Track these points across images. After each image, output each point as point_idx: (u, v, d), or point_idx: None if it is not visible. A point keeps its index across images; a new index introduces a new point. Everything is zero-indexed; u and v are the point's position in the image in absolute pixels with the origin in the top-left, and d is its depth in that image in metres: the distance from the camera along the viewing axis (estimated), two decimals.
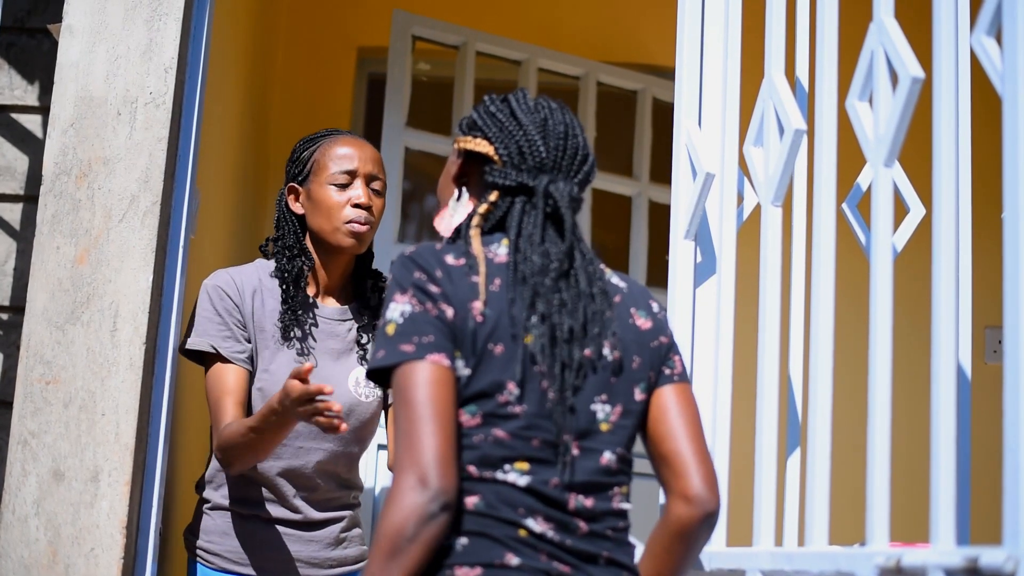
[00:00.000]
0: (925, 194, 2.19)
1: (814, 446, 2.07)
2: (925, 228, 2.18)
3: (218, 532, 3.05)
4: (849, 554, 1.87)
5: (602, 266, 2.16)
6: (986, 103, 2.26)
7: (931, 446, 1.75)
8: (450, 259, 2.02)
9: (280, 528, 3.05)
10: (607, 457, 2.04)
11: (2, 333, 3.09)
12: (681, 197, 2.64)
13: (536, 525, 1.94)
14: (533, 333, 1.99)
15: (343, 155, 3.09)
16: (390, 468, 3.22)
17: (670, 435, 2.11)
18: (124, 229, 2.95)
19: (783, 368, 2.34)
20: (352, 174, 3.08)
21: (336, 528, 3.10)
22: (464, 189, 2.23)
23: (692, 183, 2.59)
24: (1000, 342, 5.00)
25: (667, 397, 2.14)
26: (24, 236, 3.12)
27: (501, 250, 2.06)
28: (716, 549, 2.33)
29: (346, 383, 3.07)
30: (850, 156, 2.32)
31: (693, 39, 2.70)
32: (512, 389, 1.97)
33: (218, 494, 3.07)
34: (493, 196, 2.13)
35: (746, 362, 2.42)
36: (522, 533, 1.93)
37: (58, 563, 2.83)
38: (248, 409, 3.01)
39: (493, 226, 2.13)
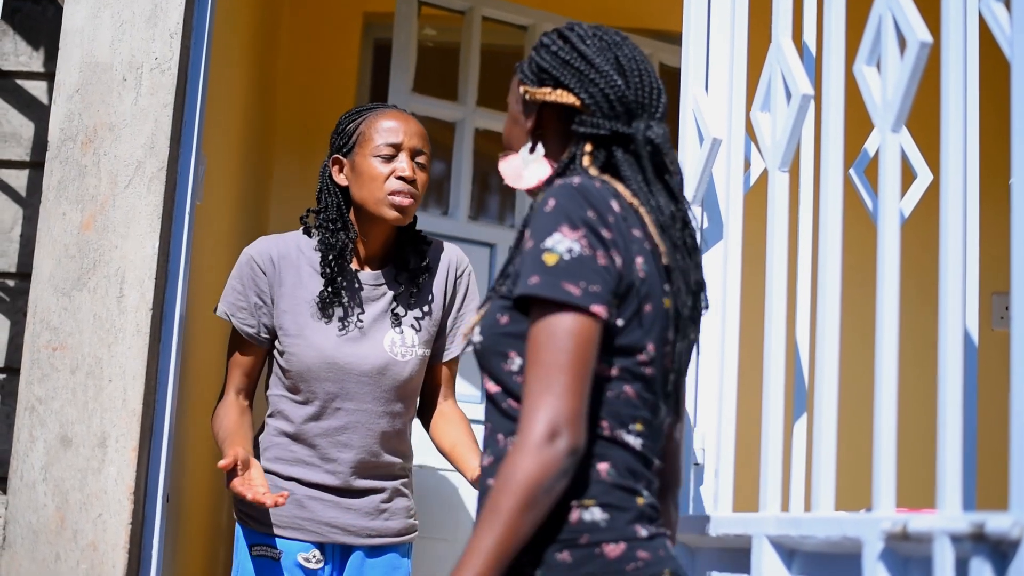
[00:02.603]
0: (933, 160, 2.19)
1: (821, 412, 2.07)
2: (933, 194, 2.18)
3: None
4: (855, 520, 1.87)
5: None
6: (994, 68, 2.25)
7: (938, 412, 1.75)
8: (613, 203, 1.93)
9: (318, 493, 3.08)
10: (670, 420, 2.06)
11: (9, 300, 3.10)
12: (688, 162, 2.64)
13: (646, 491, 1.94)
14: (669, 292, 1.98)
15: (389, 128, 3.11)
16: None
17: None
18: (130, 195, 2.95)
19: (790, 334, 2.34)
20: (397, 147, 3.10)
21: (377, 498, 3.12)
22: (540, 142, 2.13)
23: (699, 149, 2.59)
24: (1007, 308, 4.99)
25: None
26: (30, 202, 3.12)
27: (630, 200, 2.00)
28: (722, 515, 2.34)
29: (382, 344, 3.10)
30: (857, 121, 2.31)
31: (700, 4, 2.69)
32: (651, 350, 1.94)
33: (261, 458, 3.12)
34: (588, 147, 2.04)
35: (753, 328, 2.43)
36: (640, 501, 1.93)
37: (66, 529, 2.84)
38: (269, 371, 3.17)
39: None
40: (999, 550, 1.58)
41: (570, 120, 2.07)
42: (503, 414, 1.97)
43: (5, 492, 2.95)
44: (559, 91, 2.06)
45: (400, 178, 3.07)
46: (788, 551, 2.11)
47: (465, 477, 3.09)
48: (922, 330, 3.12)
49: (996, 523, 1.56)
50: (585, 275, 1.84)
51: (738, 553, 2.21)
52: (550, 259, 1.85)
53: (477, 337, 2.01)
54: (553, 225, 1.88)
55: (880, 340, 1.92)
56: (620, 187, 1.98)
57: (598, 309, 1.84)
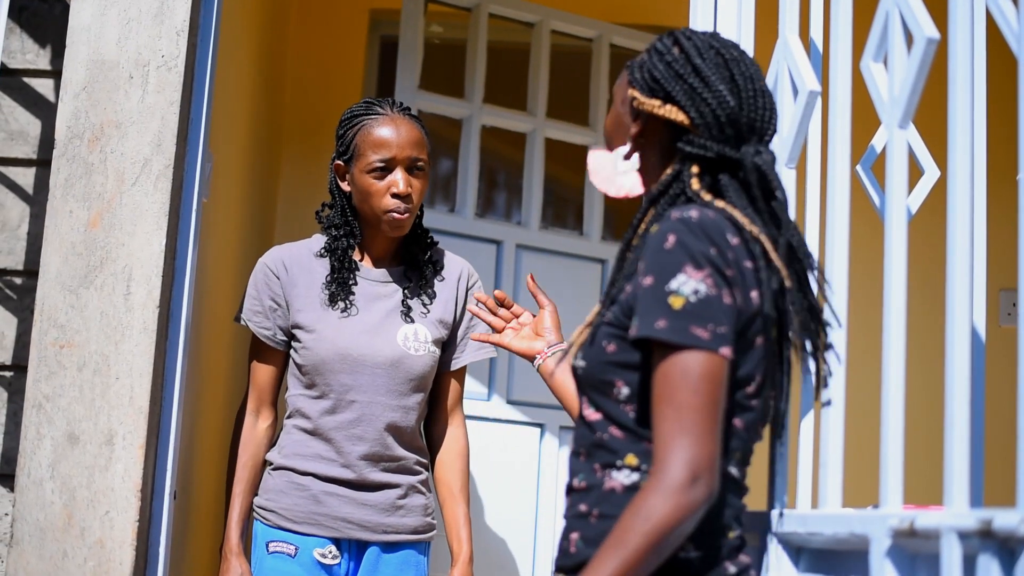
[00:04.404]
0: (940, 156, 2.19)
1: (828, 408, 2.07)
2: (940, 190, 2.17)
3: (275, 491, 3.14)
4: (863, 516, 1.87)
5: None
6: (1002, 64, 2.25)
7: (945, 408, 1.75)
8: (730, 236, 1.89)
9: (334, 487, 3.11)
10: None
11: (16, 297, 3.10)
12: None
13: (735, 522, 1.93)
14: (776, 328, 1.96)
15: (381, 142, 3.13)
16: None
17: None
18: (137, 193, 2.96)
19: None
20: (391, 162, 3.12)
21: (392, 494, 3.14)
22: (639, 152, 2.08)
23: None
24: (1015, 304, 4.99)
25: None
26: (37, 200, 3.12)
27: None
28: None
29: (395, 338, 3.15)
30: (864, 118, 2.31)
31: (707, 0, 2.69)
32: (758, 380, 1.93)
33: (280, 455, 3.17)
34: (695, 169, 1.99)
35: None
36: (730, 535, 1.92)
37: (73, 526, 2.84)
38: (284, 365, 3.24)
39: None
40: (1007, 547, 1.57)
41: (675, 135, 2.03)
42: (601, 445, 1.95)
43: (12, 490, 2.95)
44: (669, 106, 2.00)
45: (395, 195, 3.11)
46: (795, 548, 2.11)
47: (451, 549, 3.19)
48: (929, 326, 3.12)
49: (1004, 520, 1.56)
50: (713, 317, 1.82)
51: None
52: (676, 302, 1.81)
53: (580, 362, 1.98)
54: (677, 265, 1.83)
55: (887, 336, 1.92)
56: (738, 215, 1.94)
57: (726, 351, 1.82)
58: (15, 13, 3.20)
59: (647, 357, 1.89)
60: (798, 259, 1.99)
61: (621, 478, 1.91)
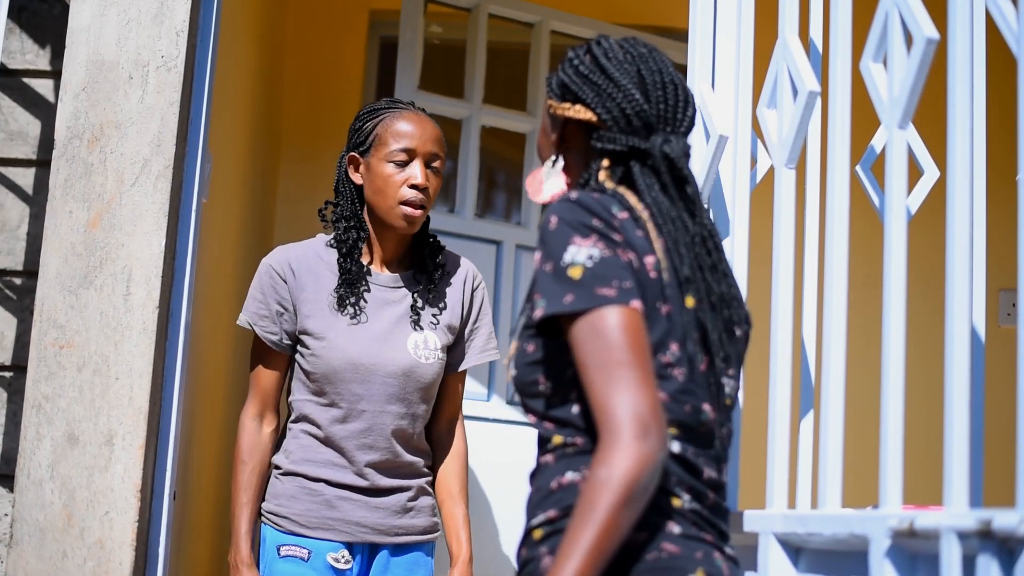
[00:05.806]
0: (939, 156, 2.19)
1: (827, 409, 2.07)
2: (939, 190, 2.17)
3: (286, 496, 3.09)
4: (862, 517, 1.87)
5: None
6: (1001, 65, 2.25)
7: (945, 409, 1.75)
8: (616, 210, 1.92)
9: (347, 493, 3.08)
10: (725, 432, 2.00)
11: (16, 298, 3.10)
12: (694, 159, 2.63)
13: (684, 494, 1.89)
14: (693, 297, 1.94)
15: (404, 132, 3.12)
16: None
17: None
18: (136, 193, 2.96)
19: (796, 331, 2.34)
20: (411, 153, 3.11)
21: (403, 496, 3.12)
22: (561, 156, 2.13)
23: (705, 145, 2.59)
24: (1014, 304, 4.99)
25: None
26: (37, 200, 3.12)
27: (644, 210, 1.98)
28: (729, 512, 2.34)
29: (405, 346, 3.11)
30: (864, 118, 2.31)
31: (706, 1, 2.68)
32: (675, 351, 1.91)
33: (288, 460, 3.12)
34: (605, 163, 2.04)
35: (759, 325, 2.42)
36: (676, 503, 1.88)
37: (73, 526, 2.84)
38: (290, 370, 3.17)
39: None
40: (1006, 547, 1.57)
41: (591, 136, 2.07)
42: (539, 439, 1.98)
43: (12, 490, 2.95)
44: (577, 107, 2.06)
45: (413, 186, 3.09)
46: (795, 548, 2.11)
47: (450, 551, 3.18)
48: (929, 327, 3.12)
49: (1003, 520, 1.56)
50: (615, 274, 1.84)
51: (745, 550, 2.21)
52: (575, 272, 1.84)
53: (512, 371, 2.00)
54: (565, 240, 1.86)
55: (887, 337, 1.92)
56: (631, 197, 1.97)
57: (636, 304, 1.83)
58: (15, 13, 3.20)
59: (556, 342, 1.91)
60: (708, 251, 2.01)
61: (553, 453, 1.94)
